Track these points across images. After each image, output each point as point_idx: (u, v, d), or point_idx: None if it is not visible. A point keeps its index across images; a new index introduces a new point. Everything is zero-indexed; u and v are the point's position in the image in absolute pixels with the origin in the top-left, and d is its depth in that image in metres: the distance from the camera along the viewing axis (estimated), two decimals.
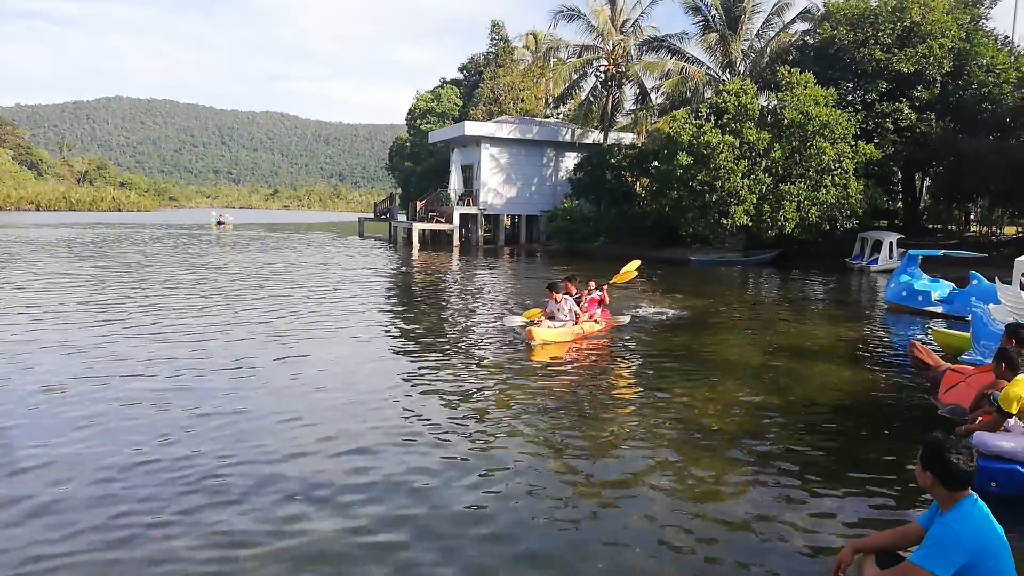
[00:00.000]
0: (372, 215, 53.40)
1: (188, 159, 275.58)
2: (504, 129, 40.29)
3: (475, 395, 8.35)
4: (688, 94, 35.91)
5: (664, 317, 14.72)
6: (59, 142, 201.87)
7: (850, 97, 31.40)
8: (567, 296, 12.21)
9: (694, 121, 30.09)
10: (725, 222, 28.72)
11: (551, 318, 11.98)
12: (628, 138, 39.20)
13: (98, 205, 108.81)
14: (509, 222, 43.11)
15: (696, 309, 16.10)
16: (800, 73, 28.98)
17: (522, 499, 5.40)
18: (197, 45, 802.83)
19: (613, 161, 36.64)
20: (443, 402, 7.99)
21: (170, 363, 9.39)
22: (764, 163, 28.78)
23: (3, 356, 9.54)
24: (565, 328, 11.75)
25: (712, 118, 29.83)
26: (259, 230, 54.72)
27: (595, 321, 12.45)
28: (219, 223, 57.33)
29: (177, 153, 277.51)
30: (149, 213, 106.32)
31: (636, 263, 15.01)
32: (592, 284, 13.45)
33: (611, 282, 14.20)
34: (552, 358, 10.49)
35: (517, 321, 12.68)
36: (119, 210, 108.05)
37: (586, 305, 12.82)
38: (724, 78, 35.25)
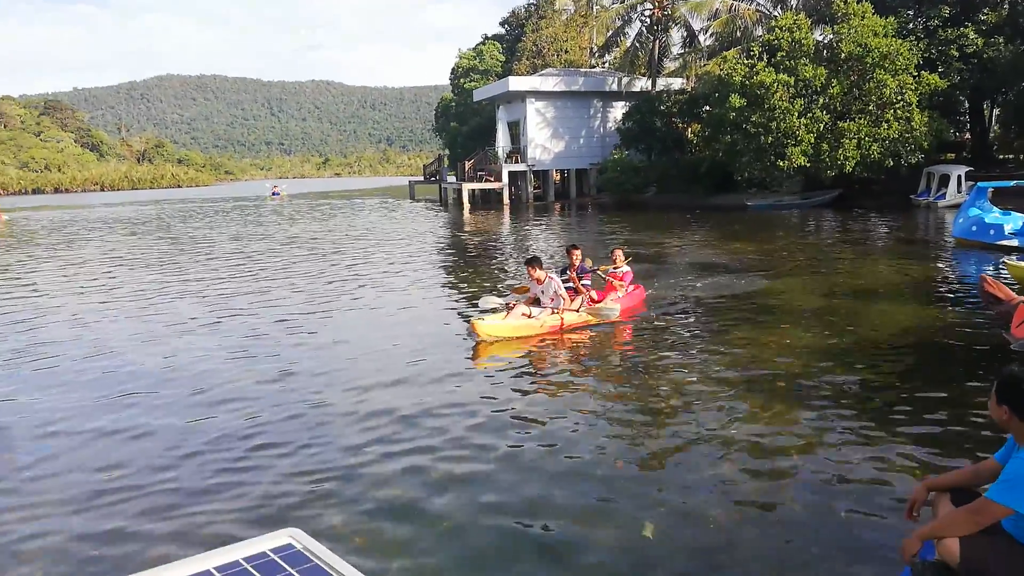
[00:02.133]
0: (422, 178, 53.58)
1: (240, 132, 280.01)
2: (549, 82, 39.71)
3: (525, 353, 8.45)
4: (738, 34, 34.71)
5: (721, 263, 14.51)
6: (117, 123, 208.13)
7: (911, 25, 29.88)
8: (553, 276, 9.32)
9: (746, 61, 29.11)
10: (782, 164, 27.90)
11: (535, 303, 9.31)
12: (677, 83, 38.21)
13: (159, 183, 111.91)
14: (559, 177, 42.72)
15: (755, 254, 15.82)
16: (857, 3, 27.66)
17: (578, 449, 5.49)
18: (238, 19, 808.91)
19: (662, 108, 35.79)
20: (493, 360, 8.11)
21: (231, 321, 9.77)
22: (821, 100, 27.77)
23: (89, 319, 10.07)
24: (530, 321, 8.94)
25: (765, 57, 28.82)
26: (313, 199, 55.59)
27: (578, 311, 9.43)
28: (274, 194, 59.35)
29: (229, 127, 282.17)
30: (207, 188, 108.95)
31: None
32: (619, 254, 10.61)
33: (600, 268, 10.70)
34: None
35: (493, 303, 9.65)
36: (179, 186, 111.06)
37: (590, 284, 10.08)
38: (776, 14, 33.92)
